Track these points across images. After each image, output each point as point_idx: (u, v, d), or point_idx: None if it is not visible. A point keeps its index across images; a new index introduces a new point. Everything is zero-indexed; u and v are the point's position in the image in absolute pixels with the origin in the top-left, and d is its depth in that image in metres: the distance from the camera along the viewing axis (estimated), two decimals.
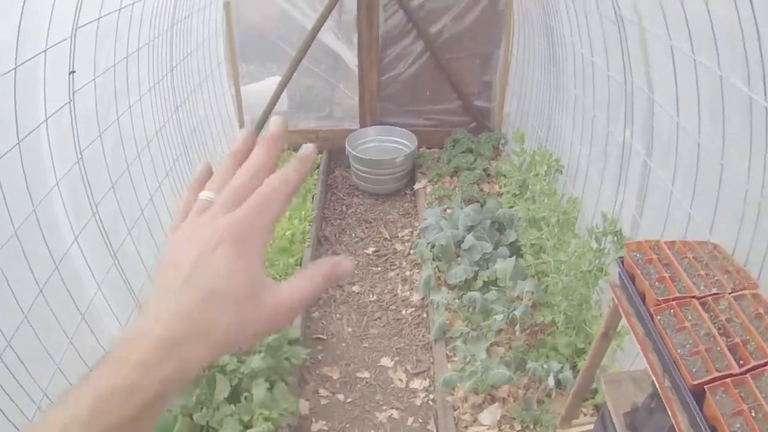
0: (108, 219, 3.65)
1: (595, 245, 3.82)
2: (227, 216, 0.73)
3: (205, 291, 0.68)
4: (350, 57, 6.75)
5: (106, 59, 3.77)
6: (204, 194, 0.78)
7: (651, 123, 3.30)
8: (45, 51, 2.95)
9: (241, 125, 6.76)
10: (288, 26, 6.63)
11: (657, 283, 2.30)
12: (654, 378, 2.13)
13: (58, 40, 3.07)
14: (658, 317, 2.17)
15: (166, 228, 4.56)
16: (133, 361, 0.64)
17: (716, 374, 1.86)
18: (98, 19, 3.49)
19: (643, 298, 2.34)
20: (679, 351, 1.99)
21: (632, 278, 2.45)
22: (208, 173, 0.82)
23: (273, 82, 6.88)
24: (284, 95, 6.93)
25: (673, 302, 2.17)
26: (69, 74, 3.25)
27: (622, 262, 2.54)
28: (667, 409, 2.00)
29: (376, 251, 5.79)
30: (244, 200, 0.74)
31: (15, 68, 2.67)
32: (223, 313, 0.68)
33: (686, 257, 2.41)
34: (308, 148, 0.82)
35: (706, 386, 1.83)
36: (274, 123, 0.83)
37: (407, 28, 6.50)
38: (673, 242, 2.54)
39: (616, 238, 3.71)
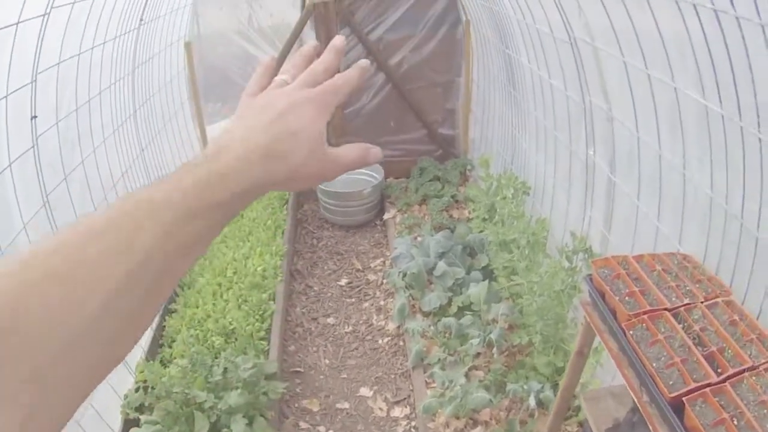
0: None
1: (566, 264, 3.85)
2: (307, 90, 0.88)
3: (292, 127, 0.82)
4: None
5: (67, 103, 3.78)
6: (281, 77, 0.91)
7: (612, 139, 3.36)
8: (6, 97, 2.95)
9: None
10: (251, 64, 6.68)
11: (627, 298, 2.33)
12: (632, 393, 2.15)
13: (19, 85, 3.08)
14: (631, 332, 2.18)
15: None
16: (234, 154, 0.77)
17: (693, 385, 1.89)
18: (58, 64, 3.50)
19: (614, 314, 2.36)
20: (654, 364, 2.01)
21: (602, 295, 2.47)
22: (276, 62, 0.96)
23: None
24: None
25: (645, 316, 2.19)
26: (31, 119, 3.26)
27: (591, 280, 2.57)
28: (648, 424, 2.03)
29: (349, 282, 5.79)
30: (318, 85, 0.89)
31: None
32: (302, 147, 0.82)
33: (655, 270, 2.44)
34: (365, 62, 0.96)
35: (684, 398, 1.85)
36: (338, 38, 0.99)
37: None
38: (641, 256, 2.57)
39: (586, 256, 3.74)
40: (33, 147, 3.26)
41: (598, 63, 3.26)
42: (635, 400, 2.13)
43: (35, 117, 3.27)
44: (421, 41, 6.47)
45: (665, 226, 2.92)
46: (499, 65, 5.49)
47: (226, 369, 4.03)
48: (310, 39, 6.43)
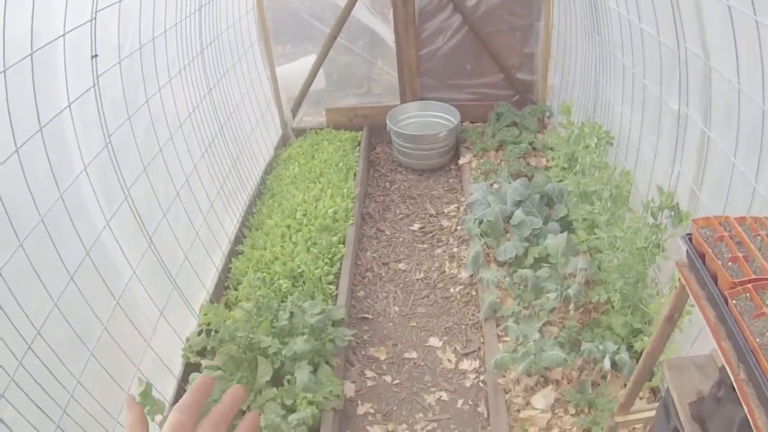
0: (141, 203, 3.63)
1: (651, 220, 3.68)
2: None
3: None
4: (387, 33, 6.62)
5: (131, 42, 3.70)
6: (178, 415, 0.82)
7: (708, 91, 3.13)
8: (63, 36, 2.87)
9: (278, 105, 6.69)
10: (321, 3, 6.54)
11: (730, 264, 2.16)
12: (728, 368, 1.99)
13: (78, 24, 3.01)
14: (734, 301, 2.03)
15: (203, 208, 4.51)
16: None
17: None
18: (119, 1, 3.41)
19: (714, 279, 2.20)
20: (758, 340, 1.86)
21: (702, 257, 2.30)
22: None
23: (308, 61, 6.82)
24: (321, 74, 6.86)
25: (749, 285, 2.02)
26: (91, 58, 3.18)
27: (690, 240, 2.39)
28: (742, 403, 1.88)
29: (421, 228, 5.68)
30: None
31: (31, 54, 2.60)
32: None
33: (759, 235, 2.25)
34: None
35: None
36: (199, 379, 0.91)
37: (443, 3, 6.33)
38: (743, 218, 2.38)
39: (673, 213, 3.56)
40: (94, 86, 3.20)
41: (697, 7, 3.01)
42: (732, 376, 1.98)
43: (96, 56, 3.20)
44: None
45: (764, 188, 2.72)
46: (583, 8, 5.22)
47: (292, 314, 3.99)
48: None
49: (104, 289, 3.15)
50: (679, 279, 2.47)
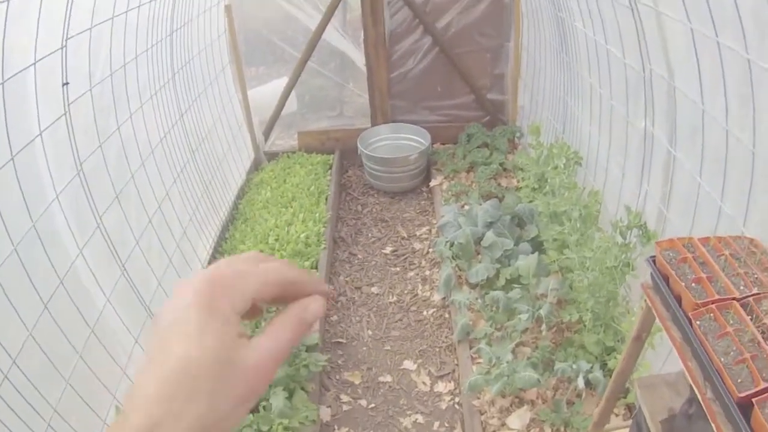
0: (114, 230, 3.61)
1: (620, 240, 3.71)
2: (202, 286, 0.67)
3: (181, 372, 0.61)
4: (357, 55, 6.67)
5: (101, 69, 3.69)
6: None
7: (674, 111, 3.18)
8: (34, 64, 2.87)
9: (250, 128, 6.68)
10: (292, 28, 6.59)
11: (694, 285, 2.19)
12: (695, 388, 2.01)
13: (48, 52, 3.00)
14: (698, 322, 2.05)
15: (176, 235, 4.50)
16: None
17: (765, 385, 1.75)
18: (90, 28, 3.41)
19: (679, 300, 2.22)
20: (722, 359, 1.88)
21: (666, 279, 2.33)
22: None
23: (281, 83, 6.83)
24: (293, 96, 6.88)
25: (713, 305, 2.05)
26: (63, 86, 3.18)
27: (654, 262, 2.42)
28: (710, 422, 1.90)
29: (394, 251, 5.69)
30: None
31: (1, 83, 2.59)
32: (195, 394, 0.61)
33: (722, 254, 2.28)
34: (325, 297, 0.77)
35: (753, 399, 1.72)
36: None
37: (414, 24, 6.39)
38: (707, 238, 2.41)
39: (641, 232, 3.60)
40: (65, 114, 3.19)
41: (661, 30, 3.06)
42: (698, 395, 2.00)
43: (67, 83, 3.19)
44: (468, 3, 6.26)
45: (729, 207, 2.75)
46: (551, 30, 5.29)
47: None
48: (354, 0, 6.30)
49: (79, 318, 3.13)
50: (645, 300, 2.50)
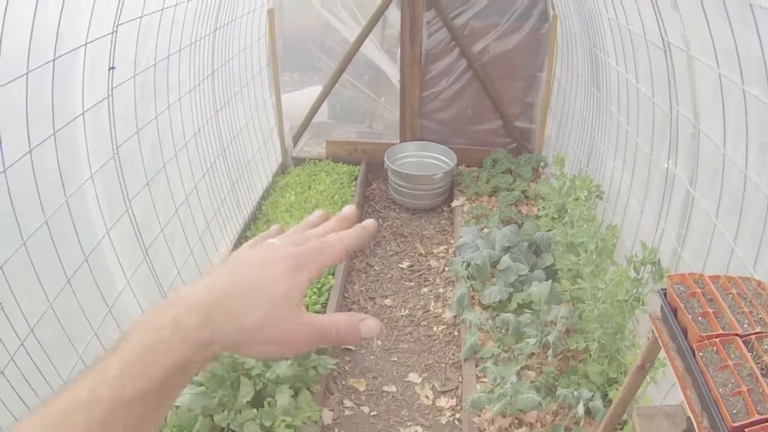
0: (141, 216, 3.72)
1: (633, 274, 3.77)
2: (291, 246, 0.82)
3: (249, 284, 0.75)
4: (392, 71, 6.77)
5: (146, 58, 3.83)
6: (272, 240, 0.85)
7: (696, 153, 3.25)
8: (85, 45, 2.99)
9: (281, 132, 6.80)
10: (330, 37, 6.71)
11: (700, 318, 2.26)
12: (691, 416, 2.08)
13: (99, 35, 3.13)
14: (701, 353, 2.12)
15: (200, 228, 4.60)
16: (166, 319, 0.69)
17: (758, 417, 1.82)
18: (140, 17, 3.54)
19: (685, 332, 2.29)
20: (720, 390, 1.95)
21: (674, 311, 2.40)
22: (279, 231, 0.92)
23: (313, 91, 6.96)
24: (325, 105, 6.99)
25: (716, 339, 2.12)
26: (109, 70, 3.30)
27: (665, 294, 2.49)
28: None
29: (410, 266, 5.78)
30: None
31: (53, 60, 2.71)
32: (257, 304, 0.74)
33: (730, 293, 2.35)
34: (371, 222, 0.92)
35: (746, 429, 1.79)
36: (348, 208, 0.95)
37: (450, 46, 6.52)
38: (717, 276, 2.48)
39: (655, 268, 3.66)
40: (108, 97, 3.31)
41: (690, 72, 3.15)
42: (694, 423, 2.06)
43: (113, 68, 3.32)
44: (506, 31, 6.39)
45: (741, 249, 2.82)
46: (584, 64, 5.38)
47: None
48: (394, 17, 6.41)
49: (98, 296, 3.23)
50: (652, 330, 2.57)
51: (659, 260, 3.63)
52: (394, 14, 6.41)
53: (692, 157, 3.31)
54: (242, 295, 0.74)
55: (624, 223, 4.39)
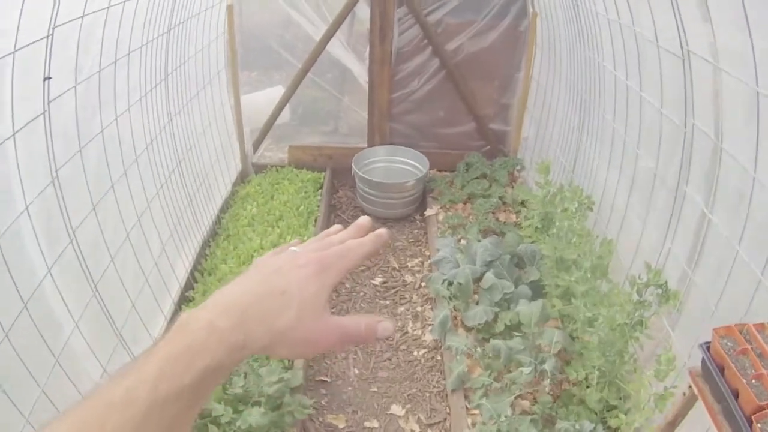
0: (88, 246, 3.25)
1: (636, 297, 3.46)
2: (315, 252, 0.89)
3: (279, 288, 0.81)
4: (360, 71, 6.37)
5: (90, 64, 3.32)
6: (294, 248, 0.91)
7: (715, 173, 2.92)
8: (13, 53, 2.52)
9: (240, 138, 6.35)
10: (292, 33, 6.27)
11: (754, 381, 1.96)
12: None
13: (31, 40, 2.65)
14: (759, 425, 1.82)
15: (155, 252, 4.17)
16: (202, 322, 0.75)
17: None
18: (81, 17, 3.06)
19: (735, 395, 1.99)
20: None
21: (721, 369, 2.10)
22: (300, 241, 0.96)
23: (274, 92, 6.54)
24: (286, 107, 6.54)
25: None
26: (44, 80, 2.82)
27: (708, 349, 2.20)
28: None
29: (384, 282, 5.38)
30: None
31: None
32: (287, 308, 0.79)
33: None
34: (384, 231, 1.00)
35: None
36: (364, 218, 1.05)
37: (423, 44, 6.13)
38: (762, 325, 2.19)
39: (661, 291, 3.35)
40: (44, 113, 2.84)
41: (715, 87, 2.80)
42: None
43: (49, 78, 2.83)
44: (482, 29, 6.03)
45: None
46: (570, 65, 5.04)
47: (247, 378, 3.66)
48: (363, 13, 6.02)
49: (42, 347, 2.79)
50: (690, 387, 2.29)
51: (666, 282, 3.32)
52: (363, 10, 6.00)
53: (710, 178, 2.98)
54: (273, 298, 0.80)
55: (620, 238, 4.08)
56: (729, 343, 2.14)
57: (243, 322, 0.75)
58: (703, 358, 2.21)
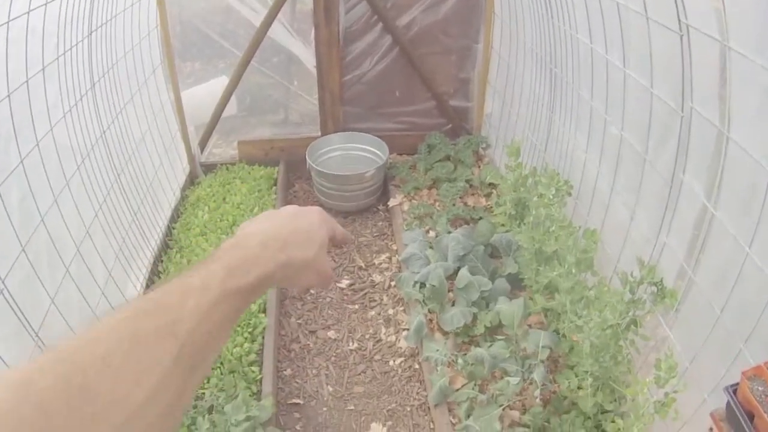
0: (21, 292, 2.84)
1: (628, 296, 3.14)
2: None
3: (304, 227, 1.07)
4: (307, 55, 5.92)
5: None
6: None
7: (720, 163, 2.58)
8: None
9: (185, 137, 5.89)
10: (233, 20, 5.79)
11: None
12: None
13: None
14: None
15: (100, 281, 3.76)
16: (257, 241, 0.96)
17: None
18: None
19: None
20: None
21: (749, 415, 1.83)
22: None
23: (218, 83, 6.06)
24: (232, 98, 6.08)
25: None
26: None
27: (734, 392, 1.93)
28: None
29: (351, 284, 4.99)
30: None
31: None
32: (314, 244, 1.07)
33: None
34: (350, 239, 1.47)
35: None
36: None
37: (372, 21, 5.69)
38: None
39: (657, 290, 3.03)
40: None
41: (722, 68, 2.43)
42: None
43: None
44: (435, 0, 5.60)
45: None
46: (535, 35, 4.65)
47: (213, 422, 3.29)
48: None
49: None
50: (712, 429, 2.04)
51: (662, 280, 3.00)
52: None
53: (713, 168, 2.64)
54: (301, 234, 1.05)
55: (605, 228, 3.75)
56: (759, 387, 1.87)
57: (286, 246, 0.98)
58: (728, 402, 1.96)
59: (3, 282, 2.72)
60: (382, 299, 4.82)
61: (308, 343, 4.45)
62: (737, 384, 1.94)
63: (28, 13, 3.05)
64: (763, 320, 2.25)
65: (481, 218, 5.04)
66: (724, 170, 2.57)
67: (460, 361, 3.86)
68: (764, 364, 1.91)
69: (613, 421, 3.15)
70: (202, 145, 6.13)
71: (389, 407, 4.00)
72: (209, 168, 6.11)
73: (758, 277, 2.33)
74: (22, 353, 2.79)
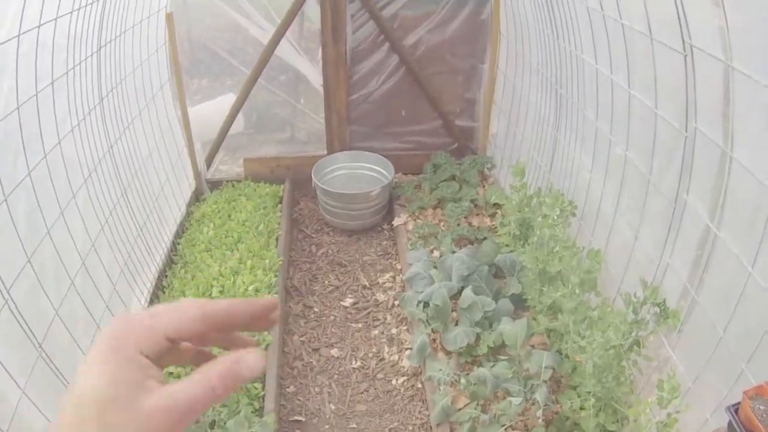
0: (26, 304, 2.84)
1: (631, 316, 3.14)
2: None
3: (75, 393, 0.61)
4: (314, 74, 5.96)
5: (4, 102, 2.88)
6: None
7: (723, 184, 2.59)
8: None
9: (191, 153, 5.91)
10: (242, 37, 5.83)
11: None
12: None
13: None
14: None
15: (105, 294, 3.77)
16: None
17: None
18: None
19: None
20: None
21: None
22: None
23: (226, 100, 6.09)
24: (239, 115, 6.11)
25: None
26: None
27: (736, 412, 1.93)
28: None
29: (354, 303, 5.00)
30: None
31: None
32: (90, 419, 0.58)
33: None
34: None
35: None
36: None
37: (379, 41, 5.74)
38: None
39: (660, 310, 3.03)
40: None
41: (726, 89, 2.44)
42: None
43: None
44: (441, 20, 5.65)
45: None
46: (540, 56, 4.68)
47: None
48: (313, 12, 5.62)
49: None
50: None
51: (665, 300, 3.00)
52: (313, 8, 5.58)
53: (717, 189, 2.65)
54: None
55: (609, 247, 3.76)
56: (761, 407, 1.87)
57: None
58: (730, 422, 1.97)
59: (8, 292, 2.73)
60: (385, 318, 4.82)
61: (311, 360, 4.45)
62: (739, 403, 1.94)
63: (39, 27, 3.08)
64: (766, 340, 2.25)
65: (485, 238, 5.04)
66: (727, 190, 2.58)
67: (462, 380, 3.85)
68: (766, 384, 1.91)
69: None
70: (209, 161, 6.16)
71: (391, 426, 4.00)
72: (215, 184, 6.14)
73: (761, 296, 2.33)
74: (26, 364, 2.81)
